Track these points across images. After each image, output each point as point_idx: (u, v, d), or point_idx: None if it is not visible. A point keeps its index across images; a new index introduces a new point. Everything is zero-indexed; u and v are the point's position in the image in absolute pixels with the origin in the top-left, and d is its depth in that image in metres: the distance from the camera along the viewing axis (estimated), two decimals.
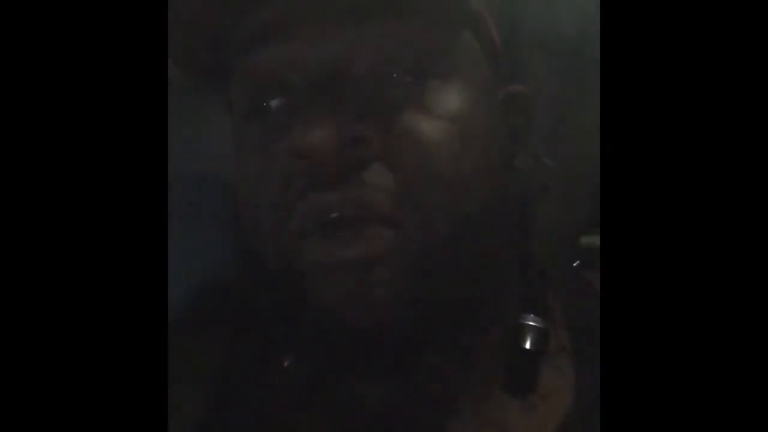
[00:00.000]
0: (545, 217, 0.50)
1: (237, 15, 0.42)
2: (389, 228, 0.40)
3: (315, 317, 0.42)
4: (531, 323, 0.45)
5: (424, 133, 0.41)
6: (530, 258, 0.48)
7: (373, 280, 0.40)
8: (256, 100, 0.43)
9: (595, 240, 0.52)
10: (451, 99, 0.42)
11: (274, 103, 0.42)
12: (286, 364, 0.46)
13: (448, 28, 0.42)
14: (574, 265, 0.50)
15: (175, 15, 0.42)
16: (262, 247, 0.43)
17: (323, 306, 0.41)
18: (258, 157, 0.42)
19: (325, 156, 0.39)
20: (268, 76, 0.42)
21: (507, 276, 0.47)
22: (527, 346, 0.45)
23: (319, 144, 0.39)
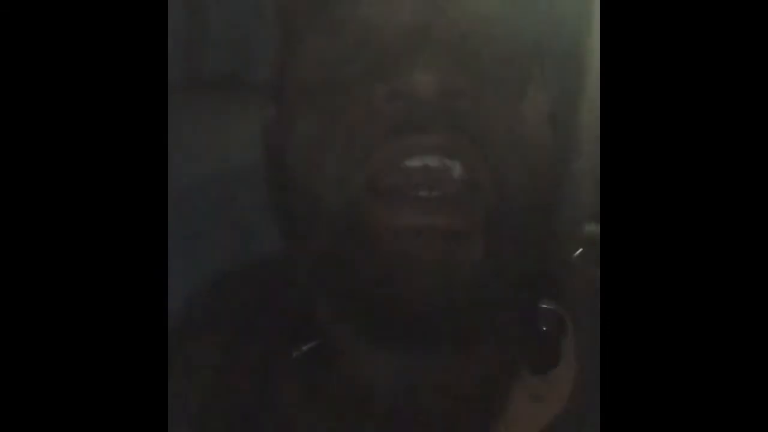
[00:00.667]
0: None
1: None
2: (470, 190, 0.41)
3: (379, 278, 0.41)
4: (550, 307, 0.45)
5: (512, 100, 0.42)
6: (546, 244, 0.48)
7: (456, 250, 0.40)
8: (343, 49, 0.43)
9: (597, 228, 0.52)
10: (531, 80, 0.43)
11: (363, 52, 0.42)
12: (294, 354, 0.46)
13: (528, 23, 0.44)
14: (576, 254, 0.50)
15: None
16: (326, 200, 0.42)
17: (395, 263, 0.40)
18: (338, 104, 0.42)
19: (426, 99, 0.40)
20: (364, 26, 0.42)
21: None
22: (546, 329, 0.45)
23: (423, 87, 0.40)
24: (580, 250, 0.50)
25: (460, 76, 0.41)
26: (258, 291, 0.51)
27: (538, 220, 0.43)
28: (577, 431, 0.43)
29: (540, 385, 0.45)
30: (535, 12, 0.44)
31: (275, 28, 0.48)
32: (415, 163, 0.40)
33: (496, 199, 0.41)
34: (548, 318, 0.45)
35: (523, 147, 0.42)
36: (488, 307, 0.42)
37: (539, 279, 0.46)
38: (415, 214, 0.40)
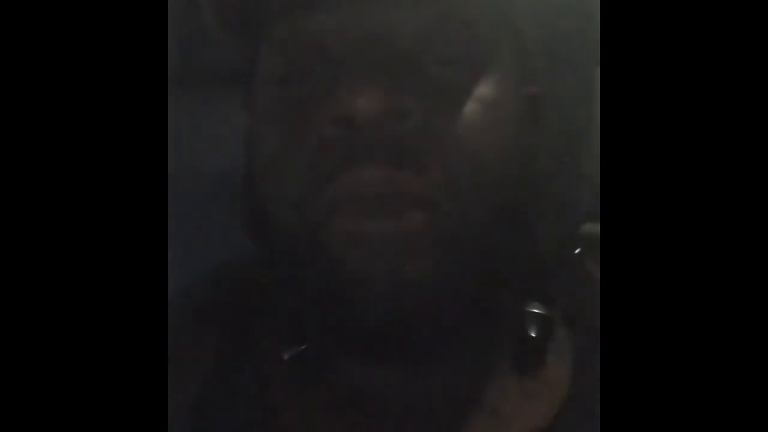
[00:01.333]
0: (546, 204, 0.50)
1: None
2: (427, 209, 0.40)
3: (335, 294, 0.41)
4: (537, 311, 0.45)
5: (466, 114, 0.40)
6: (533, 245, 0.47)
7: (405, 255, 0.39)
8: (292, 66, 0.42)
9: (596, 228, 0.52)
10: (489, 86, 0.41)
11: (312, 70, 0.41)
12: (286, 356, 0.45)
13: (490, 19, 0.42)
14: (575, 252, 0.50)
15: None
16: (285, 220, 0.42)
17: (349, 278, 0.40)
18: (291, 125, 0.41)
19: (370, 124, 0.38)
20: (310, 43, 0.41)
21: (515, 263, 0.46)
22: (533, 333, 0.44)
23: (365, 112, 0.38)
24: (578, 249, 0.49)
25: (404, 95, 0.39)
26: (253, 288, 0.50)
27: (509, 224, 0.43)
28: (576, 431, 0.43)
29: (533, 383, 0.44)
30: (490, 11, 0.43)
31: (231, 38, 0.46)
32: (368, 191, 0.39)
33: (455, 210, 0.40)
34: (534, 322, 0.44)
35: (484, 154, 0.41)
36: (449, 314, 0.41)
37: (530, 281, 0.46)
38: (369, 223, 0.39)
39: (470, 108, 0.41)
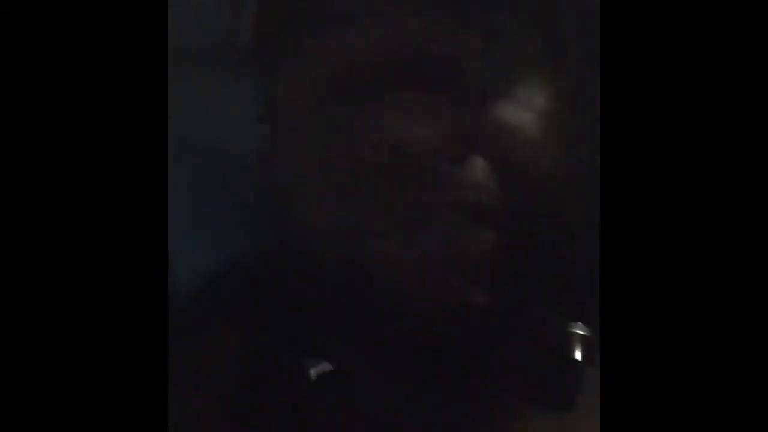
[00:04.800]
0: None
1: None
2: (488, 229, 0.39)
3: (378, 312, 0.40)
4: (580, 332, 0.42)
5: (519, 126, 0.40)
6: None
7: (470, 277, 0.39)
8: (327, 86, 0.40)
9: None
10: (528, 94, 0.41)
11: (349, 90, 0.40)
12: (314, 377, 0.43)
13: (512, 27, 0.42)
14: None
15: None
16: (319, 241, 0.40)
17: (402, 299, 0.39)
18: (325, 146, 0.40)
19: (424, 151, 0.37)
20: (344, 61, 0.40)
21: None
22: (577, 356, 0.41)
23: (419, 138, 0.37)
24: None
25: (461, 116, 0.39)
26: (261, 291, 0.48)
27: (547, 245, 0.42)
28: None
29: (571, 415, 0.42)
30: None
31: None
32: (418, 213, 0.38)
33: (509, 229, 0.39)
34: (580, 344, 0.41)
35: (529, 167, 0.40)
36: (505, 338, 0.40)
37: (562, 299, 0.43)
38: (423, 245, 0.38)
39: (521, 118, 0.40)
